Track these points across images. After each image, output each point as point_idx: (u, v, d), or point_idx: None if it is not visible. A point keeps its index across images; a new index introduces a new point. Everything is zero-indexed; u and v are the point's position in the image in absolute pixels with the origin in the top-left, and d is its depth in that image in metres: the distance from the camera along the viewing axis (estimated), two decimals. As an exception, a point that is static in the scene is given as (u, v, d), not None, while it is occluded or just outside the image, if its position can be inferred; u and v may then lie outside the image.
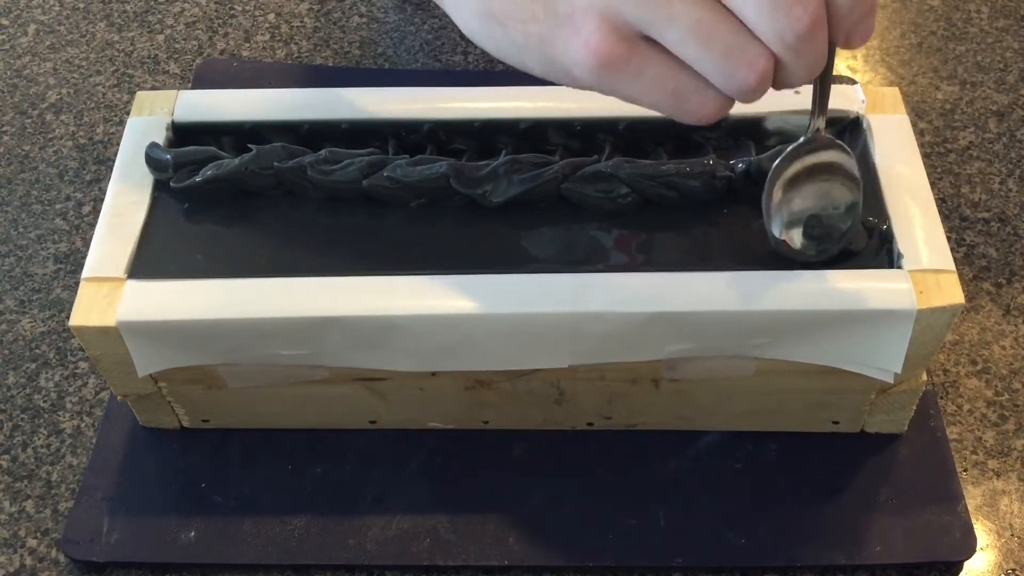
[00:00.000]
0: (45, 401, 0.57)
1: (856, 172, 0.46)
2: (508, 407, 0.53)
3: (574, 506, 0.52)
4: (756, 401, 0.52)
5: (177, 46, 0.74)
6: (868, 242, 0.49)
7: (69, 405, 0.56)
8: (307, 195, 0.52)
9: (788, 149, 0.46)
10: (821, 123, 0.45)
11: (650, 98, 0.39)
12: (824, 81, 0.43)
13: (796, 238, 0.47)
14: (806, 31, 0.37)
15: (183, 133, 0.54)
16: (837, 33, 0.38)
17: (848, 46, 0.40)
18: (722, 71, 0.37)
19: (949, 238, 0.60)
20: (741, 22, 0.37)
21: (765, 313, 0.46)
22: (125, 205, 0.51)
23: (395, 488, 0.52)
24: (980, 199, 0.64)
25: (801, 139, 0.46)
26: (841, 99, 0.53)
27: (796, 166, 0.46)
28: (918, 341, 0.47)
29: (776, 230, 0.47)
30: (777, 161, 0.46)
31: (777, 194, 0.46)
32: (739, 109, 0.52)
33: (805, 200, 0.47)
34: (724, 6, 0.37)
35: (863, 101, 0.53)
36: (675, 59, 0.38)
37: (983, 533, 0.51)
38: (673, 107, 0.39)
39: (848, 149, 0.46)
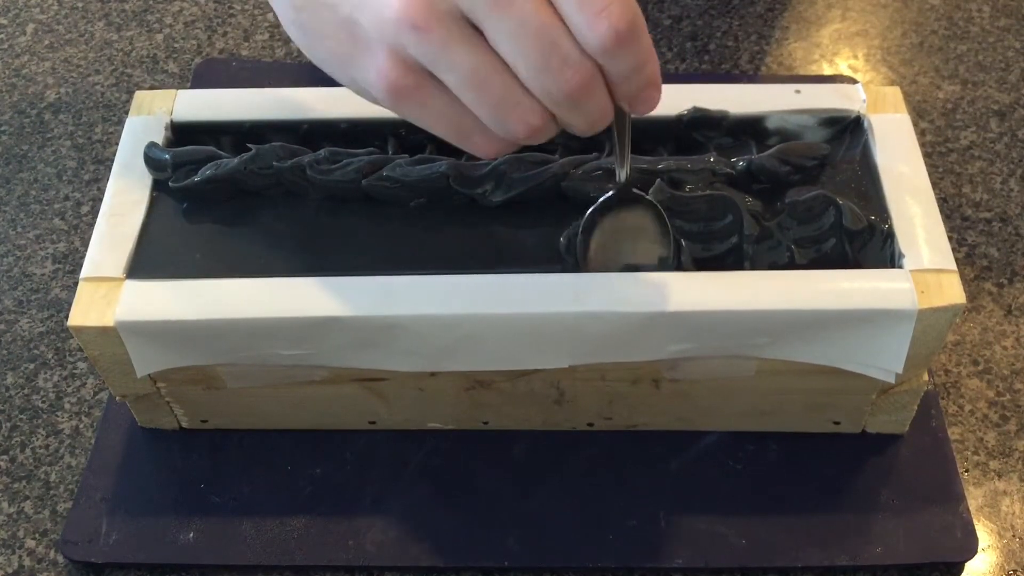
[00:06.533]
0: (44, 401, 0.57)
1: (665, 225, 0.47)
2: (508, 407, 0.53)
3: (574, 507, 0.52)
4: (757, 401, 0.52)
5: (176, 45, 0.74)
6: (870, 242, 0.49)
7: (68, 405, 0.56)
8: (306, 195, 0.52)
9: (596, 204, 0.46)
10: (623, 175, 0.45)
11: (437, 128, 0.40)
12: (622, 135, 0.43)
13: None
14: (575, 92, 0.37)
15: (182, 133, 0.54)
16: (618, 98, 0.39)
17: (633, 112, 0.41)
18: (494, 120, 0.39)
19: (950, 238, 0.60)
20: (516, 76, 0.38)
21: (765, 313, 0.46)
22: (124, 205, 0.51)
23: (395, 489, 0.52)
24: (982, 199, 0.64)
25: (607, 193, 0.46)
26: (842, 99, 0.53)
27: (605, 222, 0.47)
28: (919, 341, 0.47)
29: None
30: (586, 215, 0.47)
31: (589, 247, 0.47)
32: (739, 109, 0.53)
33: (618, 255, 0.47)
34: (501, 59, 0.38)
35: (864, 100, 0.53)
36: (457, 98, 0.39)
37: (984, 534, 0.51)
38: (458, 140, 0.41)
39: (655, 203, 0.47)
